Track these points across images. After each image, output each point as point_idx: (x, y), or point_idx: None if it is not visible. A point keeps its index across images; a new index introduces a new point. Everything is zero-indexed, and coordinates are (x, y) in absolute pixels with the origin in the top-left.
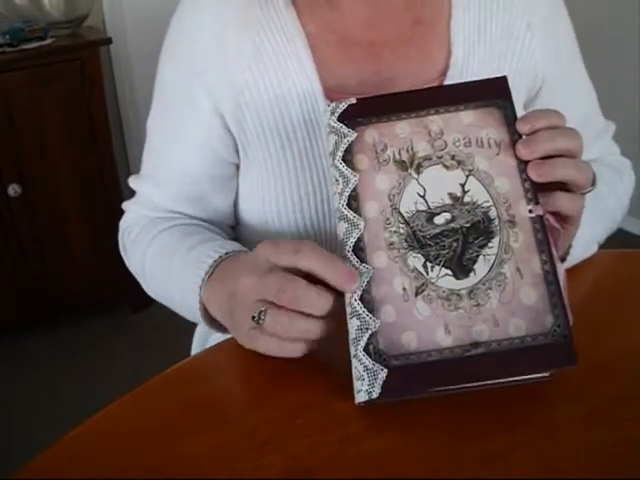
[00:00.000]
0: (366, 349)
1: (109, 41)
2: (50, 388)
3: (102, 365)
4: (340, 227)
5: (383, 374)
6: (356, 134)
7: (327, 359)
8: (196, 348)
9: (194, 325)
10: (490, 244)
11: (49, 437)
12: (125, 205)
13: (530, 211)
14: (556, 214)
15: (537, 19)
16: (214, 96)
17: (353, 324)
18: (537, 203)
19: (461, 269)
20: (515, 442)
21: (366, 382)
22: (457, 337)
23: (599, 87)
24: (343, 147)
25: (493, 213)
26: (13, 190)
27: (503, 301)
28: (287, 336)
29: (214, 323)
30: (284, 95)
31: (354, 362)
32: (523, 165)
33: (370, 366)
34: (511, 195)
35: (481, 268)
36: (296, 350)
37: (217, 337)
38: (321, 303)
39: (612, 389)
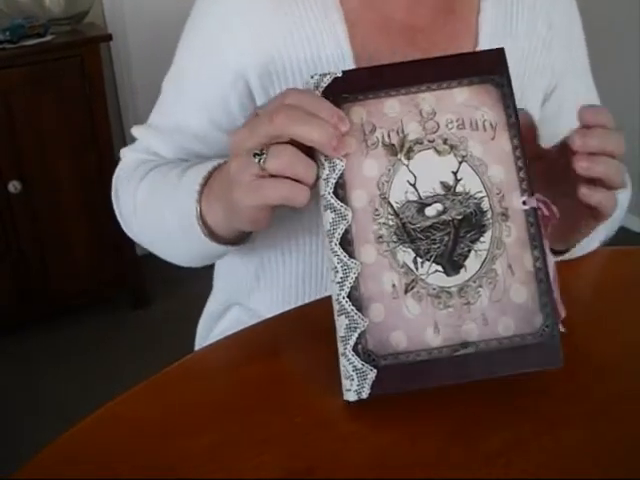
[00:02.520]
0: (355, 349)
1: (109, 37)
2: (51, 387)
3: (103, 363)
4: (326, 217)
5: (372, 374)
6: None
7: (326, 356)
8: (200, 338)
9: (195, 321)
10: (482, 239)
11: (50, 436)
12: (122, 151)
13: (524, 203)
14: (591, 208)
15: (557, 21)
16: (242, 60)
17: (341, 322)
18: (532, 194)
19: (452, 265)
20: (516, 440)
21: (355, 382)
22: (446, 337)
23: (598, 87)
24: None
25: (486, 205)
26: (13, 187)
27: (493, 299)
28: (292, 170)
29: (214, 236)
30: (316, 68)
31: (343, 360)
32: (519, 152)
33: (359, 366)
34: (505, 185)
35: (472, 264)
36: (304, 192)
37: (219, 333)
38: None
39: (613, 387)
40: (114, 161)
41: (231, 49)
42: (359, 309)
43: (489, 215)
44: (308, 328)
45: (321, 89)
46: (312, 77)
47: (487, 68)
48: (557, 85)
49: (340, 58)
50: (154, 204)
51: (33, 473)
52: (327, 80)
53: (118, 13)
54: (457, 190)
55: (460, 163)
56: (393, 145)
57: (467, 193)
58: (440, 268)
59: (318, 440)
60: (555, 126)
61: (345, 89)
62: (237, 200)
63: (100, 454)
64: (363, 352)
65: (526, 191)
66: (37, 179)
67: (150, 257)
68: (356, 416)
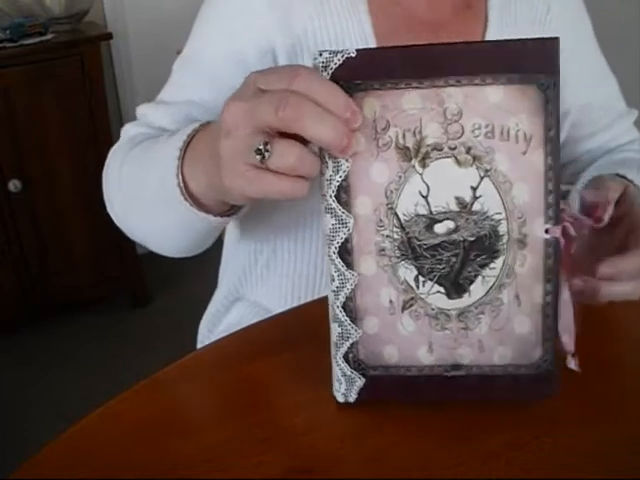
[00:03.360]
0: (346, 356)
1: (109, 36)
2: (51, 387)
3: (103, 363)
4: (326, 221)
5: (360, 382)
6: None
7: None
8: (202, 335)
9: (195, 320)
10: (492, 265)
11: (50, 436)
12: (125, 127)
13: (546, 231)
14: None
15: (556, 4)
16: (268, 39)
17: (335, 329)
18: (557, 223)
19: (456, 288)
20: (516, 440)
21: (343, 386)
22: (439, 357)
23: None
24: None
25: (503, 228)
26: (14, 185)
27: (494, 328)
28: (295, 170)
29: (196, 202)
30: None
31: (333, 363)
32: (552, 173)
33: (348, 373)
34: (529, 209)
35: (477, 290)
36: (304, 188)
37: (224, 329)
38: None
39: (613, 387)
40: None
41: (253, 31)
42: (353, 320)
43: (505, 240)
44: (309, 327)
45: (330, 71)
46: (320, 54)
47: (533, 64)
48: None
49: (364, 46)
50: (140, 172)
51: (33, 473)
52: (338, 60)
53: (118, 12)
54: (473, 209)
55: (482, 178)
56: (408, 148)
57: (484, 213)
58: (442, 290)
59: (318, 440)
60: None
61: (358, 74)
62: (228, 187)
63: (100, 454)
64: (353, 361)
65: (552, 219)
66: (37, 178)
67: (150, 256)
68: (356, 416)
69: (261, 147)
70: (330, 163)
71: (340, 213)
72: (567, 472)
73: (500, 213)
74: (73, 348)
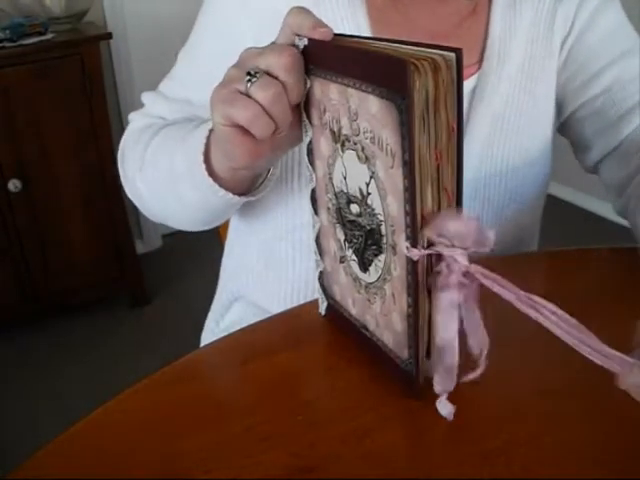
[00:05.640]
0: (320, 277)
1: (109, 36)
2: (50, 386)
3: (102, 362)
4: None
5: (325, 303)
6: (309, 84)
7: (328, 355)
8: (208, 330)
9: (194, 320)
10: (379, 257)
11: (50, 435)
12: (131, 115)
13: (407, 248)
14: None
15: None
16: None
17: (314, 256)
18: (415, 246)
19: (363, 263)
20: (516, 439)
21: (320, 300)
22: (357, 313)
23: None
24: (304, 93)
25: (383, 230)
26: (13, 185)
27: (383, 312)
28: (269, 105)
29: (217, 179)
30: None
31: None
32: (409, 195)
33: (321, 292)
34: (397, 222)
35: (373, 273)
36: (268, 127)
37: (224, 329)
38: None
39: (614, 387)
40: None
41: (249, 33)
42: (320, 254)
43: (384, 241)
44: (309, 327)
45: (300, 51)
46: (298, 36)
47: (393, 83)
48: (573, 45)
49: None
50: (166, 150)
51: (33, 472)
52: (301, 45)
53: (118, 12)
54: (367, 202)
55: (370, 178)
56: (334, 132)
57: (373, 210)
58: (356, 260)
59: (318, 439)
60: (587, 69)
61: (312, 60)
62: (212, 113)
63: (100, 454)
64: (321, 284)
65: (410, 238)
66: (37, 177)
67: (150, 256)
68: (357, 415)
69: (252, 71)
70: (304, 127)
71: (309, 167)
72: (567, 472)
73: (381, 215)
74: (73, 348)
